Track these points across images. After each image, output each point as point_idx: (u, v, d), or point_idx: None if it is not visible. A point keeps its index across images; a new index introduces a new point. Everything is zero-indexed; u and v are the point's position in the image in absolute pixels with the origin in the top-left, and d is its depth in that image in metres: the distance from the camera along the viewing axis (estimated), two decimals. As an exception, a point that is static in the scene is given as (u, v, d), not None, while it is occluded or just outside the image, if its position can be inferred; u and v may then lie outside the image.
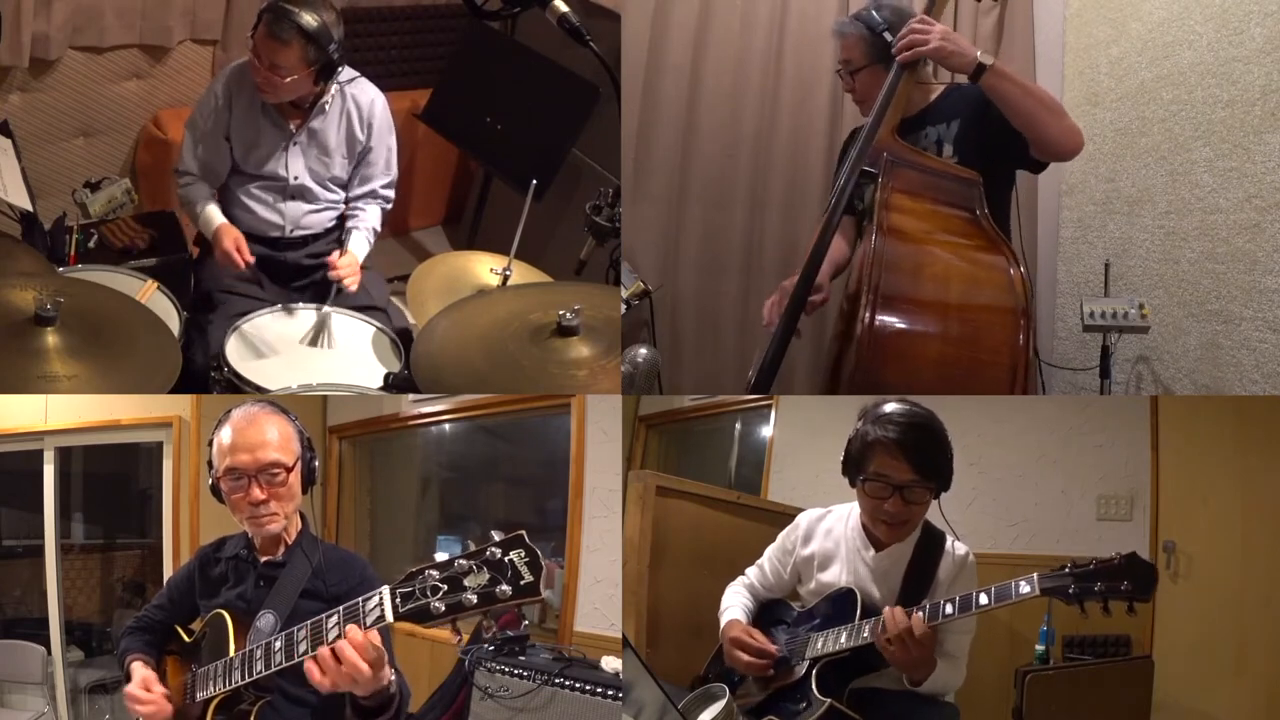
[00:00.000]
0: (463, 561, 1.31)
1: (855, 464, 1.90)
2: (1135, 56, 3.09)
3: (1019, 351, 1.88)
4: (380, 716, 1.51)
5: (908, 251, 1.99)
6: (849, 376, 1.95)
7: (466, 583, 1.31)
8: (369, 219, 2.89)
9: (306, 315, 2.69)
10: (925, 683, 1.80)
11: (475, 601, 1.30)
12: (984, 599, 1.70)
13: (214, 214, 2.72)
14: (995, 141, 2.24)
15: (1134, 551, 1.61)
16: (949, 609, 1.73)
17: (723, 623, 2.07)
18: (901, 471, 1.84)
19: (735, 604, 2.10)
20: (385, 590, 1.36)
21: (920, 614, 1.74)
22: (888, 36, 2.34)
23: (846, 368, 1.99)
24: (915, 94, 2.40)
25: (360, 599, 1.39)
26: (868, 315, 1.88)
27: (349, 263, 2.74)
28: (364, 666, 1.39)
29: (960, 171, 2.14)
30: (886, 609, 1.77)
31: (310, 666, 1.41)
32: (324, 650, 1.40)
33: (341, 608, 1.42)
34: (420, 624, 1.33)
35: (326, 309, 2.68)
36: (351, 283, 2.72)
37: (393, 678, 1.50)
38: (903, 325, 1.91)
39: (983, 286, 1.94)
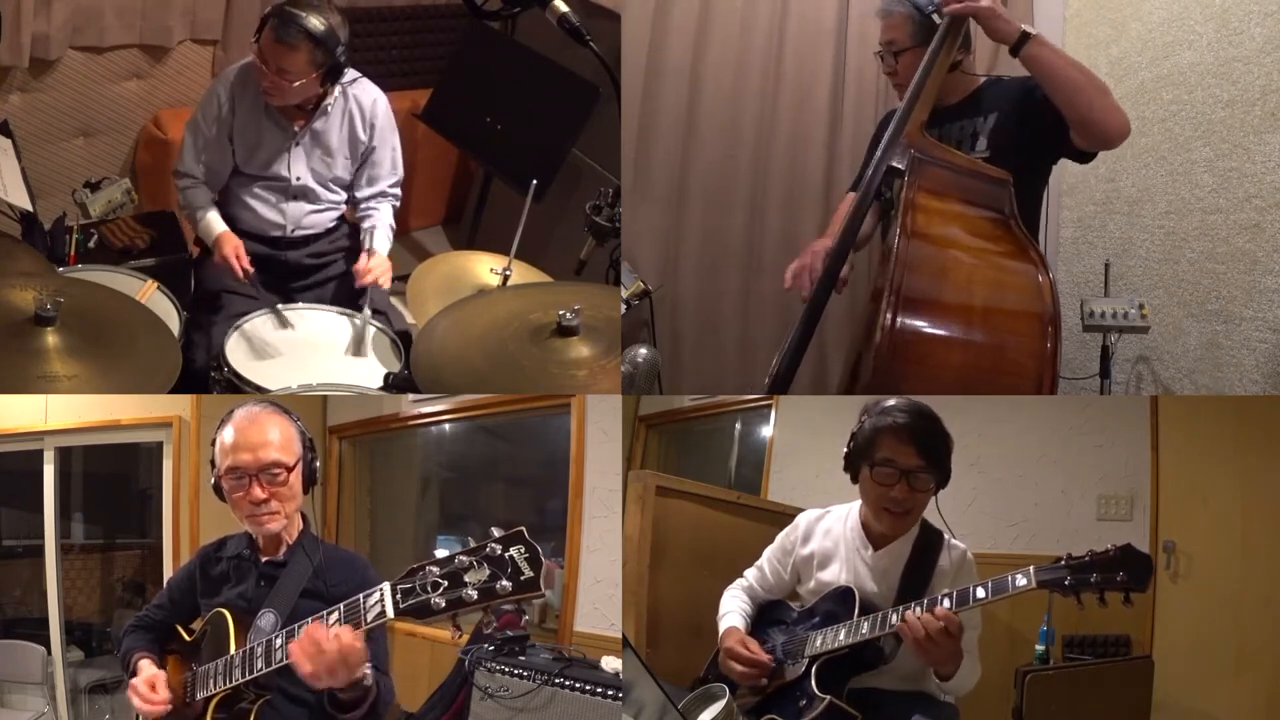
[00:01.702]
0: (463, 558, 1.32)
1: (862, 452, 1.91)
2: (1135, 56, 3.09)
3: (1046, 360, 1.82)
4: (356, 710, 1.52)
5: (932, 254, 1.92)
6: (867, 380, 1.90)
7: (467, 579, 1.31)
8: (385, 216, 2.90)
9: (309, 315, 2.69)
10: (954, 677, 1.80)
11: (476, 597, 1.31)
12: (981, 592, 1.71)
13: (214, 221, 2.72)
14: (1034, 135, 2.19)
15: (1129, 543, 1.62)
16: (946, 604, 1.74)
17: (721, 629, 2.07)
18: (909, 457, 1.86)
19: (733, 610, 2.10)
20: (385, 586, 1.37)
21: (948, 602, 1.72)
22: (936, 19, 2.23)
23: (864, 371, 1.94)
24: (956, 84, 2.33)
25: (361, 595, 1.40)
26: (889, 318, 1.83)
27: (379, 262, 2.75)
28: (330, 645, 1.40)
29: (990, 171, 2.07)
30: (909, 613, 1.76)
31: (296, 654, 1.43)
32: (306, 636, 1.42)
33: (342, 605, 1.42)
34: (421, 620, 1.34)
35: (364, 318, 2.68)
36: (385, 279, 2.73)
37: (369, 670, 1.51)
38: (925, 330, 1.85)
39: (1009, 291, 1.88)
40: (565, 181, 3.59)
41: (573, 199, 3.44)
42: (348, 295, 2.80)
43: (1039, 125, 2.17)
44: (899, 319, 1.83)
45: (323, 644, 1.41)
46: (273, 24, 2.50)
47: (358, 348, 2.64)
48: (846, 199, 2.60)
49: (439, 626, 1.36)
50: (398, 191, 2.96)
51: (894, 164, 2.08)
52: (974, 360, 1.85)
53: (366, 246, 2.82)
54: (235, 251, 2.65)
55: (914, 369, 1.85)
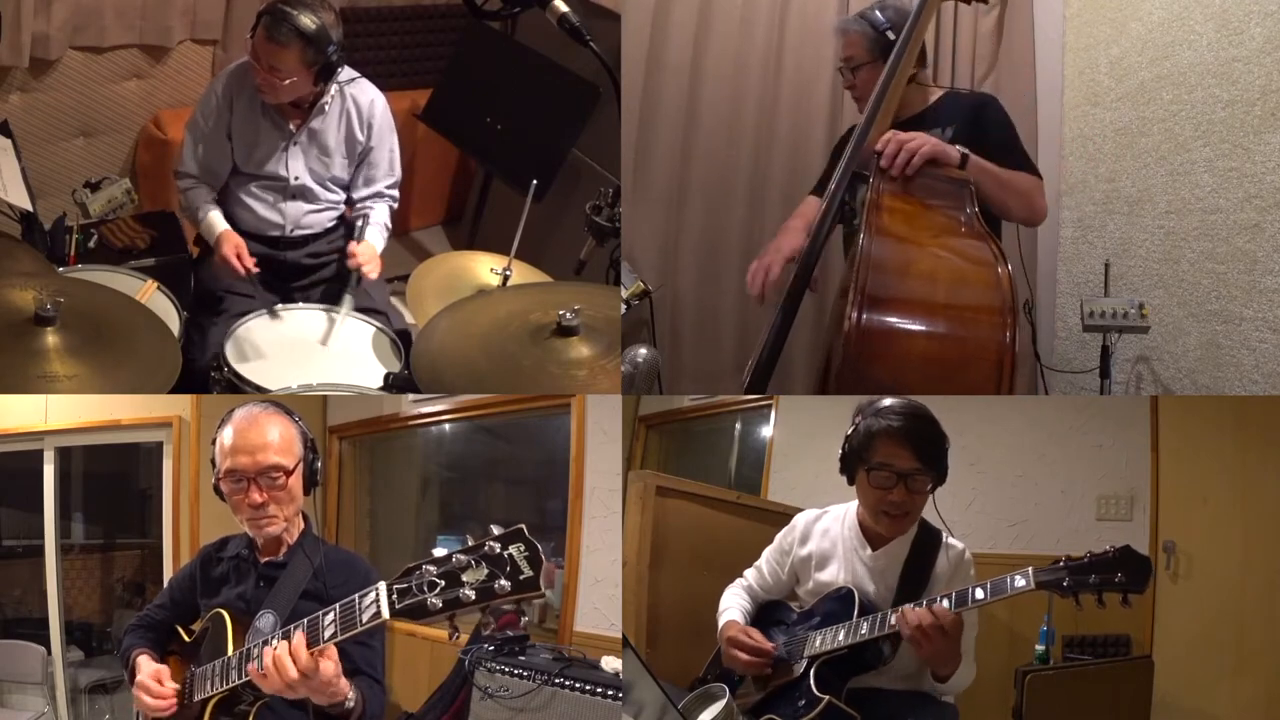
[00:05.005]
0: (460, 556, 1.30)
1: (858, 455, 1.91)
2: (1135, 56, 3.09)
3: (1005, 349, 1.88)
4: None
5: (896, 251, 1.99)
6: (835, 375, 1.96)
7: (464, 578, 1.29)
8: (379, 215, 2.91)
9: (307, 315, 2.69)
10: (951, 678, 1.81)
11: (473, 597, 1.29)
12: (980, 593, 1.72)
13: (216, 220, 2.73)
14: (986, 151, 2.25)
15: (1128, 544, 1.62)
16: (945, 604, 1.74)
17: (720, 624, 2.08)
18: (905, 460, 1.86)
19: (733, 605, 2.11)
20: (381, 586, 1.35)
21: (946, 602, 1.74)
22: (890, 35, 2.36)
23: (833, 366, 2.00)
24: (914, 97, 2.43)
25: (356, 596, 1.39)
26: (854, 314, 1.88)
27: (367, 250, 2.75)
28: (292, 674, 1.41)
29: (951, 172, 2.14)
30: (907, 607, 1.77)
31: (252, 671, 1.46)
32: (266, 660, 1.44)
33: (338, 605, 1.41)
34: (417, 621, 1.32)
35: (343, 310, 2.68)
36: (371, 269, 2.73)
37: (350, 692, 1.52)
38: (889, 324, 1.91)
39: (970, 284, 1.94)
40: (565, 181, 3.59)
41: (573, 199, 3.43)
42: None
43: (989, 142, 2.27)
44: (864, 314, 1.89)
45: (282, 669, 1.43)
46: (265, 22, 2.51)
47: (339, 339, 2.63)
48: (809, 200, 2.67)
49: (438, 627, 1.35)
50: (395, 193, 2.96)
51: (859, 170, 2.17)
52: (937, 351, 1.91)
53: (358, 237, 2.82)
54: (237, 250, 2.65)
55: (880, 362, 1.89)
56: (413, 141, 4.04)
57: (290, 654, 1.42)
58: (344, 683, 1.49)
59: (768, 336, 2.24)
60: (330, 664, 1.44)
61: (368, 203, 2.91)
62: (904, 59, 2.24)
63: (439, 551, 1.33)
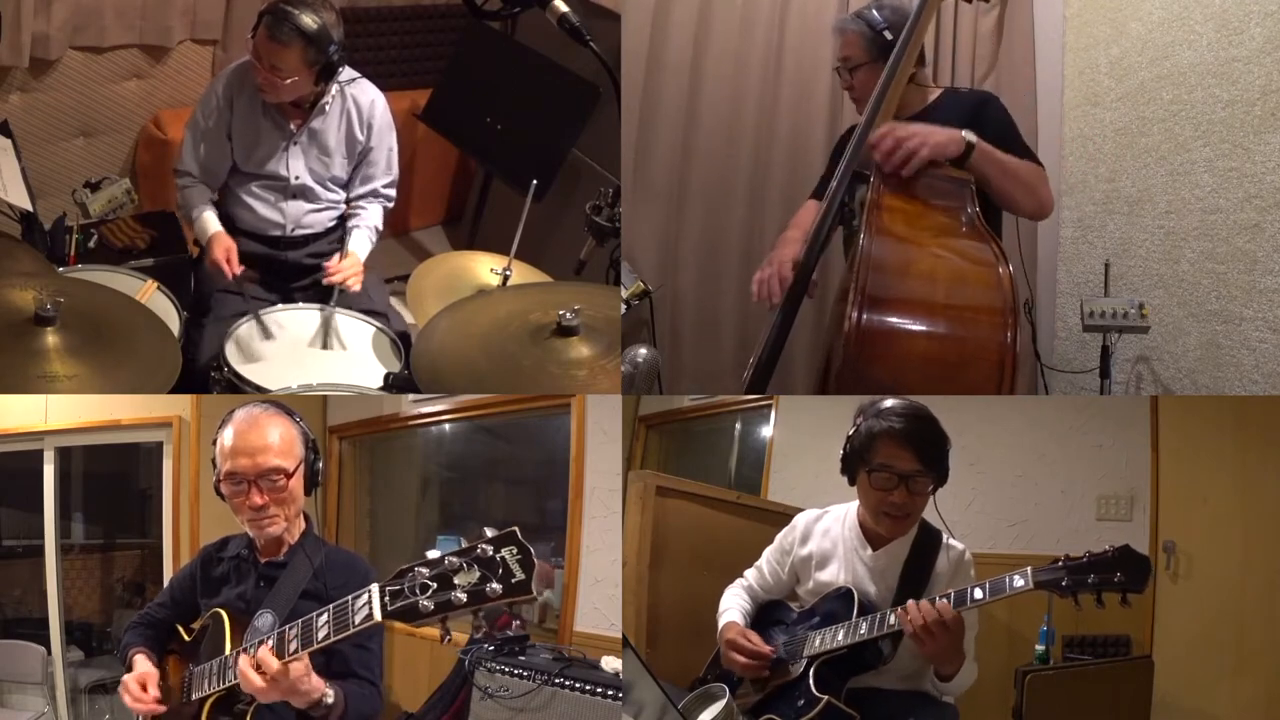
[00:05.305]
0: (453, 559, 1.30)
1: (859, 456, 1.92)
2: (1135, 56, 3.08)
3: (1006, 349, 1.88)
4: None
5: (896, 250, 1.99)
6: (836, 375, 1.96)
7: (456, 580, 1.29)
8: (370, 218, 2.90)
9: (308, 315, 2.69)
10: (955, 677, 1.81)
11: (465, 600, 1.29)
12: (979, 593, 1.72)
13: (209, 220, 2.72)
14: None
15: (1127, 544, 1.62)
16: (943, 603, 1.74)
17: (720, 625, 2.08)
18: (906, 461, 1.86)
19: (733, 606, 2.11)
20: (374, 588, 1.36)
21: (947, 600, 1.74)
22: (888, 35, 2.35)
23: (834, 366, 2.01)
24: (913, 96, 2.41)
25: (349, 598, 1.39)
26: (855, 314, 1.89)
27: (350, 263, 2.74)
28: (257, 682, 1.46)
29: (952, 171, 2.14)
30: (910, 603, 1.77)
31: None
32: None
33: (331, 607, 1.42)
34: (409, 623, 1.33)
35: (330, 309, 2.67)
36: (354, 282, 2.72)
37: (328, 689, 1.53)
38: (889, 324, 1.91)
39: (970, 285, 1.94)
40: (565, 181, 3.59)
41: (573, 199, 3.43)
42: (347, 296, 2.80)
43: (990, 139, 2.23)
44: (864, 315, 1.89)
45: (247, 677, 1.47)
46: (266, 21, 2.52)
47: (325, 339, 2.63)
48: (808, 205, 2.66)
49: (436, 627, 1.35)
50: (391, 193, 2.96)
51: (860, 170, 2.16)
52: (937, 350, 1.91)
53: (344, 246, 2.83)
54: (227, 254, 2.65)
55: (880, 363, 1.90)
56: (413, 141, 4.04)
57: (258, 661, 1.46)
58: (315, 680, 1.50)
59: (768, 336, 2.25)
60: (298, 665, 1.46)
61: (362, 202, 2.91)
62: (904, 59, 2.24)
63: (432, 554, 1.33)
